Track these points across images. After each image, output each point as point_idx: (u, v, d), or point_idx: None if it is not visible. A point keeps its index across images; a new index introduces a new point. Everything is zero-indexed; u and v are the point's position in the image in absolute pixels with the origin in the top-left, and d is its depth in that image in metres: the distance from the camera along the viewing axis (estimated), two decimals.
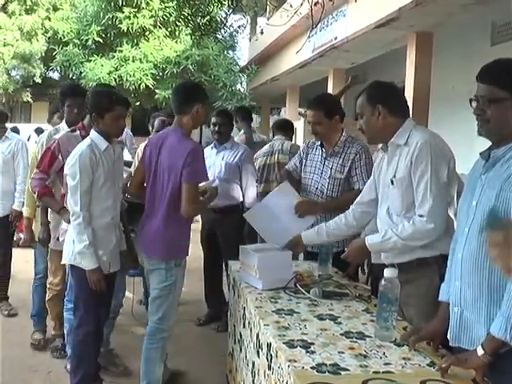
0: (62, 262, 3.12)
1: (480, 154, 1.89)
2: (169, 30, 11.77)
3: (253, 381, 2.41)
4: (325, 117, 3.34)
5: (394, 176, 2.41)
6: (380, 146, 2.64)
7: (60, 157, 3.29)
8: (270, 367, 2.07)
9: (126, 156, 5.42)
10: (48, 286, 3.86)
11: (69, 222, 3.05)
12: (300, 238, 2.96)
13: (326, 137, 3.41)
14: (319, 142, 3.50)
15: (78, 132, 3.38)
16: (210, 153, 4.42)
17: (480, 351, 1.68)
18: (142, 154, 3.18)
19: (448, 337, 1.93)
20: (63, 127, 3.66)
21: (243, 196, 4.47)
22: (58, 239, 3.43)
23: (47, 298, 3.89)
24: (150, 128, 4.95)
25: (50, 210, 3.56)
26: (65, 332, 3.54)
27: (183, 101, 2.96)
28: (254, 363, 2.41)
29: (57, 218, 3.45)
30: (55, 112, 4.52)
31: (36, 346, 3.96)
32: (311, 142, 3.62)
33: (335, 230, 2.82)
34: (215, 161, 4.42)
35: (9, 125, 5.21)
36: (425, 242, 2.34)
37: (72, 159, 2.94)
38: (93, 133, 3.03)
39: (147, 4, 11.18)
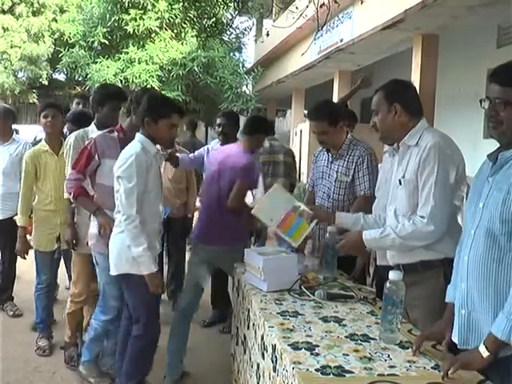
0: (113, 273, 2.95)
1: (487, 155, 1.88)
2: (175, 31, 11.78)
3: (257, 383, 2.41)
4: (329, 126, 3.27)
5: (403, 176, 2.40)
6: (386, 148, 2.63)
7: (96, 157, 3.16)
8: (274, 369, 2.07)
9: None
10: (70, 298, 3.68)
11: (103, 224, 3.02)
12: (332, 213, 2.89)
13: (333, 144, 3.37)
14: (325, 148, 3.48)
15: (115, 133, 3.24)
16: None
17: (485, 353, 1.67)
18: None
19: (455, 340, 1.91)
20: (92, 129, 3.51)
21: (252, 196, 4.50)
22: (87, 243, 3.30)
23: (67, 311, 3.69)
24: None
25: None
26: (86, 338, 3.45)
27: (252, 128, 3.63)
28: (258, 365, 2.41)
29: (87, 221, 3.31)
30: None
31: (42, 353, 3.90)
32: (318, 151, 3.61)
33: (371, 227, 2.63)
34: None
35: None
36: (423, 244, 2.32)
37: (126, 161, 2.81)
38: (141, 137, 2.92)
39: (153, 6, 11.19)
